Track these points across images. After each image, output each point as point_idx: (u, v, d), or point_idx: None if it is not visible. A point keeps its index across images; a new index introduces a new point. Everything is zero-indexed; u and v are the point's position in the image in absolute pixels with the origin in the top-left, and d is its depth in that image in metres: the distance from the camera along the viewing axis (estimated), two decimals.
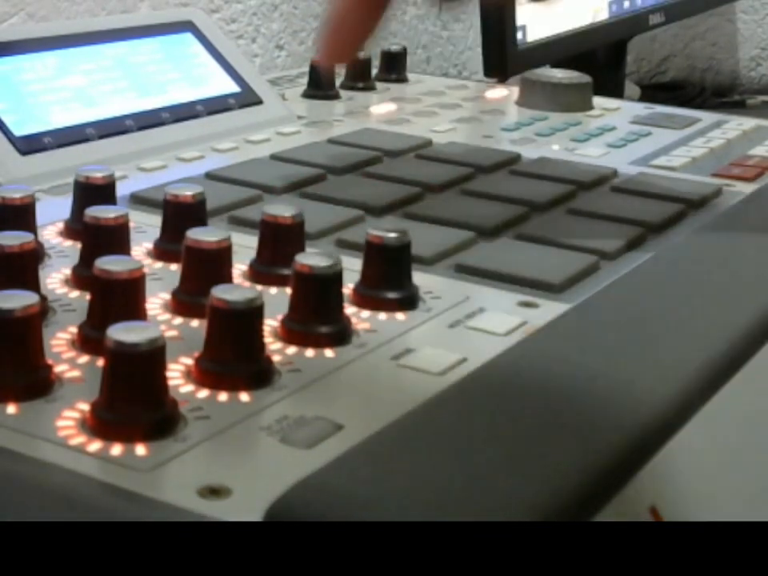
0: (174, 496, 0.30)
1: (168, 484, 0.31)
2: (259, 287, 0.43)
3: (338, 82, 0.80)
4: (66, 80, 0.62)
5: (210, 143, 0.64)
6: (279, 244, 0.44)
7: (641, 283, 0.46)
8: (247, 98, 0.70)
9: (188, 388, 0.36)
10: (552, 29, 1.00)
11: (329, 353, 0.39)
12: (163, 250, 0.46)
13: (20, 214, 0.45)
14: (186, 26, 0.71)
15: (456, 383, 0.36)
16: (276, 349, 0.39)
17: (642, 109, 0.80)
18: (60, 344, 0.38)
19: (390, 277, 0.43)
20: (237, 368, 0.36)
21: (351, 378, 0.38)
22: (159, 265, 0.46)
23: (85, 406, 0.34)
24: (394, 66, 0.86)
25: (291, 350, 0.39)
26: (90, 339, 0.38)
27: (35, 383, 0.35)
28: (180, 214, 0.46)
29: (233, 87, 0.70)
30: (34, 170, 0.56)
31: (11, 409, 0.34)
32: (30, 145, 0.57)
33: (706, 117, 0.78)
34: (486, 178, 0.61)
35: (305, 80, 0.81)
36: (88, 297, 0.39)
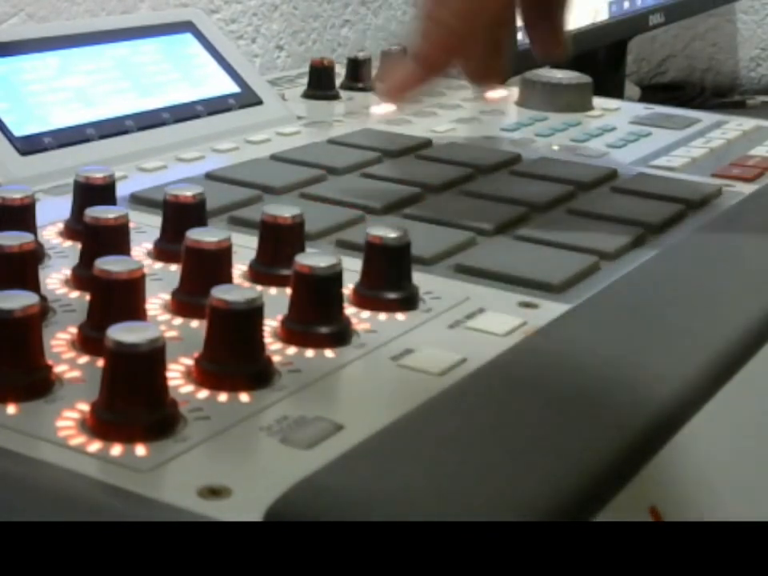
0: (174, 496, 0.30)
1: (168, 484, 0.31)
2: (259, 287, 0.43)
3: (338, 82, 0.80)
4: (66, 80, 0.62)
5: (210, 143, 0.64)
6: (279, 244, 0.44)
7: (641, 283, 0.46)
8: (247, 99, 0.70)
9: (188, 388, 0.36)
10: None
11: (329, 353, 0.39)
12: (163, 251, 0.46)
13: (20, 214, 0.45)
14: (186, 27, 0.71)
15: (456, 383, 0.36)
16: (276, 349, 0.39)
17: (642, 109, 0.80)
18: (60, 344, 0.38)
19: (390, 277, 0.43)
20: (237, 368, 0.36)
21: (351, 378, 0.38)
22: (159, 265, 0.46)
23: (85, 407, 0.34)
24: None
25: (291, 350, 0.39)
26: (90, 339, 0.38)
27: (35, 383, 0.35)
28: (180, 215, 0.46)
29: (233, 87, 0.70)
30: (34, 170, 0.56)
31: (11, 409, 0.34)
32: (30, 145, 0.57)
33: (706, 117, 0.78)
34: (486, 178, 0.61)
35: (305, 80, 0.81)
36: (88, 297, 0.39)
